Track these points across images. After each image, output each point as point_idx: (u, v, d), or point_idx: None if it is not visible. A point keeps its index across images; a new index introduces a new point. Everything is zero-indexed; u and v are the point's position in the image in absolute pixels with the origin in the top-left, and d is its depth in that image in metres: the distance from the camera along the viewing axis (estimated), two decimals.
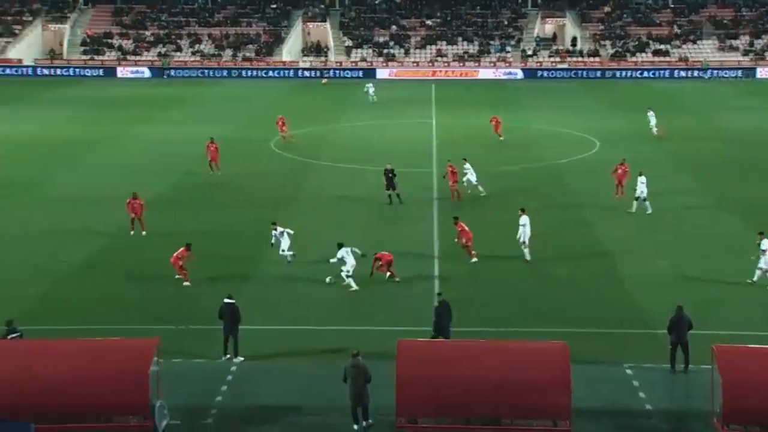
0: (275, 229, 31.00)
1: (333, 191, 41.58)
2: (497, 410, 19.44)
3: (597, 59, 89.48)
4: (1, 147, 52.46)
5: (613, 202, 38.90)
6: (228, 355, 23.51)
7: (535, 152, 50.90)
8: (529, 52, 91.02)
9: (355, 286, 28.54)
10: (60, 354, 19.91)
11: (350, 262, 28.63)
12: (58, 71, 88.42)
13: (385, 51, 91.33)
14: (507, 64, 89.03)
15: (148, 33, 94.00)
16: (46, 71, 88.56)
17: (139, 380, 19.19)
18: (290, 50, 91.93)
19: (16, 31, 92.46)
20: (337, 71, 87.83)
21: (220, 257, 31.55)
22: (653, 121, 55.46)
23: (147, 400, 19.30)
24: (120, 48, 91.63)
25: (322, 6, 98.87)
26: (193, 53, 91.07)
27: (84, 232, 34.74)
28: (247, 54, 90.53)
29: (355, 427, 20.11)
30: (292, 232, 31.37)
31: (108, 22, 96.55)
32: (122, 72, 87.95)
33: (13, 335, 21.79)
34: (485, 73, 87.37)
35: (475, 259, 31.21)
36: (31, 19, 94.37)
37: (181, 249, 29.17)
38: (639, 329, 25.78)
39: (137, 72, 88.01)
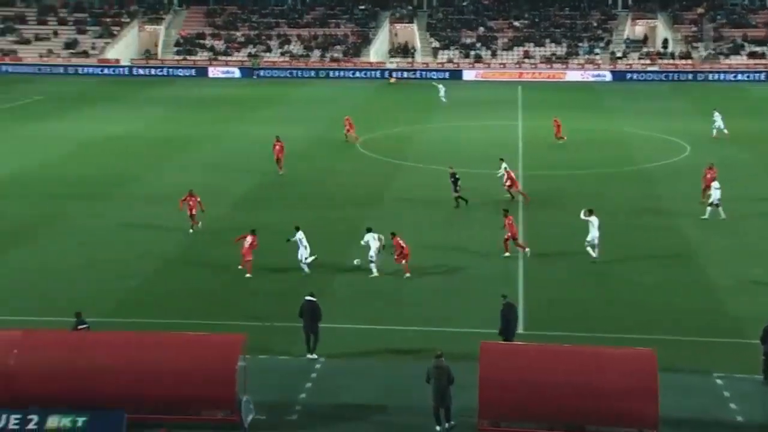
0: (298, 231, 30.40)
1: (417, 192, 41.62)
2: (581, 416, 19.23)
3: (689, 61, 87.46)
4: (96, 146, 53.99)
5: (700, 206, 38.01)
6: (314, 354, 23.75)
7: (624, 155, 50.06)
8: (619, 54, 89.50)
9: (375, 272, 29.51)
10: (151, 347, 20.49)
11: (374, 246, 29.59)
12: (153, 71, 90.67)
13: (472, 52, 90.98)
14: (595, 66, 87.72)
15: (238, 34, 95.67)
16: (141, 71, 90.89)
17: (227, 375, 19.62)
18: (377, 51, 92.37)
19: (115, 32, 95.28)
20: (424, 72, 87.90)
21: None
22: (719, 123, 53.95)
23: (234, 394, 19.71)
24: (212, 48, 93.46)
25: (410, 7, 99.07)
26: (282, 54, 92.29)
27: (170, 229, 35.49)
28: (335, 55, 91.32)
29: (438, 428, 20.13)
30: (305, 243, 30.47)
31: (201, 23, 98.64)
32: (213, 72, 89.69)
33: (82, 326, 22.65)
34: (573, 75, 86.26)
35: (527, 250, 31.79)
36: (128, 20, 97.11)
37: (250, 239, 29.81)
38: (729, 338, 25.13)
39: (228, 72, 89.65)
